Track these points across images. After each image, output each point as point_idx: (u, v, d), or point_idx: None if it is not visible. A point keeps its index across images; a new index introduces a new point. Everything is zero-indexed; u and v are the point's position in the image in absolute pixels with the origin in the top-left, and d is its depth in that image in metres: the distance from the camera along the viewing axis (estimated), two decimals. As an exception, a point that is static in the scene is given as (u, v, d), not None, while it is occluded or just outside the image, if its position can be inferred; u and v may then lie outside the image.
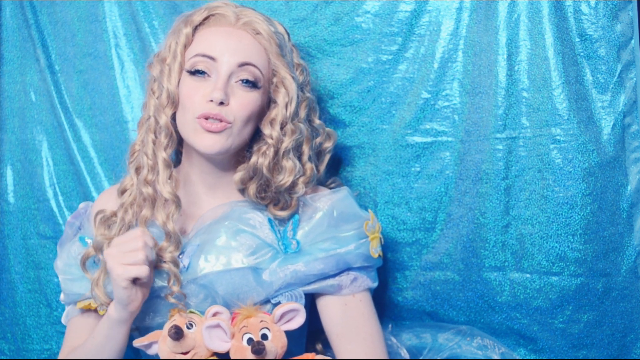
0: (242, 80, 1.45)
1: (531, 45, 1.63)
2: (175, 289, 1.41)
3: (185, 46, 1.47)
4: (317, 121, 1.60)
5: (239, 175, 1.47)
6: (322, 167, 1.63)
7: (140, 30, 1.81)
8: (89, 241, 1.53)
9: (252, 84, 1.45)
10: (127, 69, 1.82)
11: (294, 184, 1.49)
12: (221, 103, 1.42)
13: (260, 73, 1.46)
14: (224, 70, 1.43)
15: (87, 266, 1.49)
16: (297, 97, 1.49)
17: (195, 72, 1.45)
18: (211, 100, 1.42)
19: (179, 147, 1.58)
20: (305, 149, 1.53)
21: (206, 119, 1.42)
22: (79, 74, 1.84)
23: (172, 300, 1.42)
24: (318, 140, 1.59)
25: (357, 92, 1.73)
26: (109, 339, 1.44)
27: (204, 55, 1.44)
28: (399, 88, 1.70)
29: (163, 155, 1.45)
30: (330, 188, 1.61)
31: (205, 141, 1.43)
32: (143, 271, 1.35)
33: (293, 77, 1.49)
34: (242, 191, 1.49)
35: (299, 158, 1.52)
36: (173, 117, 1.47)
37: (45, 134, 1.86)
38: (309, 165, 1.53)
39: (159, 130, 1.47)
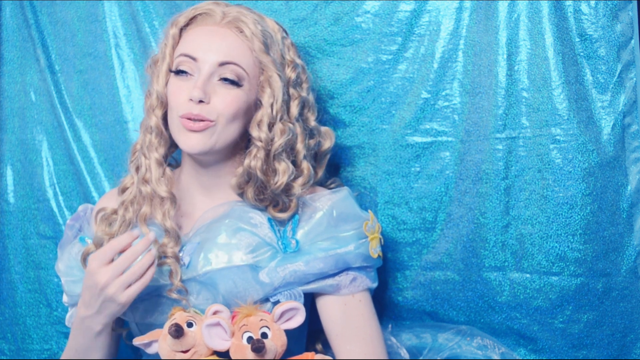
0: (223, 79, 1.45)
1: (531, 45, 1.63)
2: (177, 283, 1.42)
3: (174, 47, 1.49)
4: (312, 123, 1.59)
5: (235, 180, 1.48)
6: (322, 170, 1.63)
7: (140, 30, 1.81)
8: (89, 241, 1.53)
9: (232, 82, 1.45)
10: (127, 69, 1.83)
11: (289, 186, 1.49)
12: (201, 101, 1.42)
13: (244, 72, 1.46)
14: (204, 69, 1.44)
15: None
16: (283, 95, 1.49)
17: (178, 72, 1.46)
18: (191, 99, 1.42)
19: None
20: (300, 148, 1.53)
21: (188, 119, 1.43)
22: (79, 74, 1.84)
23: (174, 295, 1.43)
24: (313, 141, 1.59)
25: (357, 92, 1.73)
26: (93, 349, 1.46)
27: (186, 56, 1.45)
28: (399, 88, 1.70)
29: (155, 155, 1.47)
30: (330, 188, 1.61)
31: (188, 141, 1.43)
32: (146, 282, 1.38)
33: (279, 76, 1.48)
34: (241, 195, 1.50)
35: (294, 158, 1.52)
36: (165, 119, 1.49)
37: (45, 134, 1.86)
38: (305, 165, 1.53)
39: (150, 130, 1.48)
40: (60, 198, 1.85)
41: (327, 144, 1.63)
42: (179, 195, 1.53)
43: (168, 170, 1.48)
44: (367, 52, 1.72)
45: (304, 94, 1.56)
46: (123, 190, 1.52)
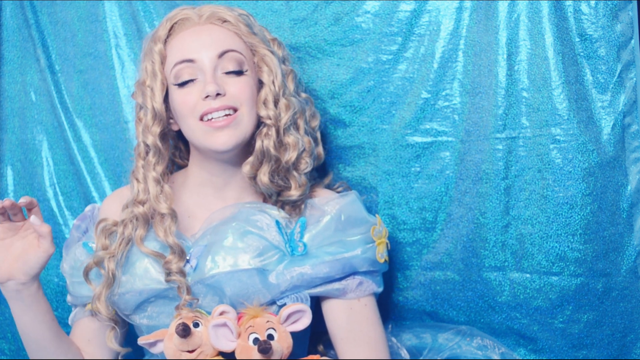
0: (226, 73, 1.46)
1: (531, 45, 1.63)
2: (186, 297, 1.42)
3: (162, 63, 1.48)
4: (303, 94, 1.60)
5: (248, 164, 1.47)
6: (320, 147, 1.63)
7: (140, 30, 1.81)
8: (93, 245, 1.53)
9: (237, 72, 1.47)
10: (127, 69, 1.82)
11: (299, 160, 1.50)
12: (218, 95, 1.43)
13: (242, 56, 1.47)
14: (206, 65, 1.45)
15: (90, 277, 1.50)
16: (281, 70, 1.50)
17: (182, 84, 1.46)
18: (207, 96, 1.43)
19: (180, 161, 1.64)
20: (301, 123, 1.53)
21: (210, 119, 1.43)
22: (79, 74, 1.84)
23: (184, 311, 1.42)
24: (308, 113, 1.59)
25: (357, 92, 1.73)
26: (21, 324, 1.44)
27: (183, 61, 1.46)
28: (399, 88, 1.70)
29: (152, 174, 1.47)
30: (338, 192, 1.61)
31: (219, 139, 1.43)
32: None
33: (272, 52, 1.50)
34: (254, 180, 1.48)
35: (297, 132, 1.52)
36: (164, 136, 1.49)
37: (45, 134, 1.86)
38: (306, 139, 1.53)
39: (147, 151, 1.48)
40: (60, 198, 1.85)
41: (315, 122, 1.63)
42: (186, 197, 1.54)
43: (167, 187, 1.48)
44: (367, 52, 1.72)
45: (292, 68, 1.58)
46: (125, 207, 1.51)
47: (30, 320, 1.43)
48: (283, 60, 1.56)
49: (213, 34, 1.47)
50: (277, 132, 1.47)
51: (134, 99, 1.55)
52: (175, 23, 1.50)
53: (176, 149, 1.66)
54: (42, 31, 1.85)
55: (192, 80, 1.46)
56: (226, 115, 1.43)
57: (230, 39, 1.48)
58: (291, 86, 1.54)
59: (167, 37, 1.50)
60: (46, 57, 1.85)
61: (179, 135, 1.57)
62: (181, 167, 1.67)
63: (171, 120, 1.52)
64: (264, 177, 1.47)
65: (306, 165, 1.51)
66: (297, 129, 1.52)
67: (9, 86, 1.87)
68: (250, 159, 1.47)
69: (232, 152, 1.46)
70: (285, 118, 1.48)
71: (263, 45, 1.50)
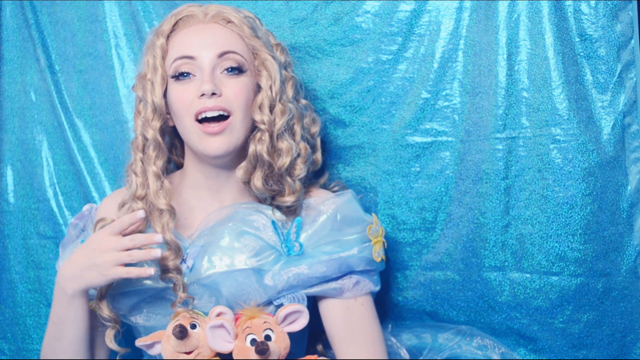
0: (227, 69, 1.47)
1: (531, 45, 1.63)
2: (182, 295, 1.42)
3: (163, 57, 1.49)
4: (303, 101, 1.60)
5: (242, 169, 1.47)
6: (319, 154, 1.63)
7: (140, 30, 1.81)
8: None
9: (237, 70, 1.47)
10: (127, 69, 1.82)
11: (292, 165, 1.50)
12: (213, 94, 1.43)
13: (243, 58, 1.48)
14: (205, 64, 1.45)
15: None
16: (280, 76, 1.50)
17: (179, 76, 1.47)
18: (203, 95, 1.43)
19: (176, 158, 1.64)
20: (297, 129, 1.54)
21: (204, 119, 1.43)
22: (79, 74, 1.84)
23: (179, 309, 1.43)
24: (307, 120, 1.59)
25: (357, 92, 1.73)
26: (66, 321, 1.46)
27: (182, 57, 1.46)
28: (399, 88, 1.70)
29: (153, 168, 1.47)
30: (334, 191, 1.61)
31: (212, 144, 1.44)
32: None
33: (273, 57, 1.50)
34: (248, 184, 1.49)
35: (292, 138, 1.52)
36: (162, 131, 1.49)
37: (45, 134, 1.86)
38: (302, 145, 1.53)
39: (147, 145, 1.48)
40: (60, 198, 1.85)
41: (315, 128, 1.63)
42: (183, 198, 1.54)
43: (166, 182, 1.48)
44: (367, 52, 1.72)
45: (294, 74, 1.58)
46: (122, 205, 1.51)
47: (77, 316, 1.46)
48: (285, 66, 1.56)
49: (216, 34, 1.48)
50: (271, 137, 1.47)
51: (134, 92, 1.55)
52: (180, 19, 1.50)
53: (172, 145, 1.66)
54: (42, 31, 1.85)
55: (189, 74, 1.46)
56: (220, 116, 1.44)
57: (232, 40, 1.48)
58: (290, 92, 1.54)
59: (171, 32, 1.50)
60: (46, 57, 1.85)
61: (175, 133, 1.57)
62: (177, 164, 1.67)
63: (168, 116, 1.52)
64: (257, 182, 1.47)
65: (300, 171, 1.51)
66: (292, 134, 1.52)
67: (9, 86, 1.87)
68: (244, 163, 1.47)
69: (225, 157, 1.47)
70: (279, 123, 1.48)
71: (265, 49, 1.50)
